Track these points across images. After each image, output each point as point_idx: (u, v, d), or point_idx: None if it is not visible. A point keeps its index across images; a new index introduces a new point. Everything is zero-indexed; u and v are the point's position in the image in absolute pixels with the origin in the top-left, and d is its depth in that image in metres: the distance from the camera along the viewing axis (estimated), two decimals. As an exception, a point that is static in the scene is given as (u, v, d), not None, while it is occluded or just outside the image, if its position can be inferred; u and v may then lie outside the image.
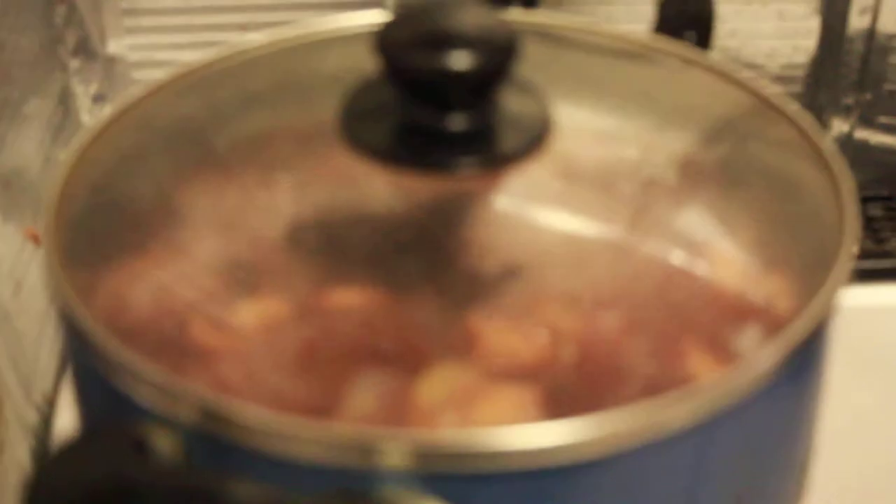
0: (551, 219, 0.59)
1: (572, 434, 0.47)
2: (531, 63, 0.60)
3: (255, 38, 0.65)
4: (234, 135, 0.66)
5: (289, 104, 0.63)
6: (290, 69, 0.64)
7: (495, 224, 0.60)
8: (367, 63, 0.63)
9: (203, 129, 0.65)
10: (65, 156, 0.56)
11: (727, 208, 0.60)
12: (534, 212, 0.60)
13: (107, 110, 0.60)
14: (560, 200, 0.60)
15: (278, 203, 0.61)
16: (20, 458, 0.70)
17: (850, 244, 0.52)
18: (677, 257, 0.57)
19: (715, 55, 0.66)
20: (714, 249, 0.57)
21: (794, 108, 0.58)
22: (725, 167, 0.59)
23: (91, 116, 0.90)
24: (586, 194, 0.61)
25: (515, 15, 0.67)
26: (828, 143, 0.56)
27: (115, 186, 0.61)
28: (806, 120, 0.57)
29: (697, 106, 0.62)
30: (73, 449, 0.42)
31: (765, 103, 0.59)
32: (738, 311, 0.53)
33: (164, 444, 0.44)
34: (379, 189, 0.62)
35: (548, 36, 0.66)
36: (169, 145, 0.63)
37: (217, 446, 0.44)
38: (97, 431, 0.43)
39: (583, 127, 0.59)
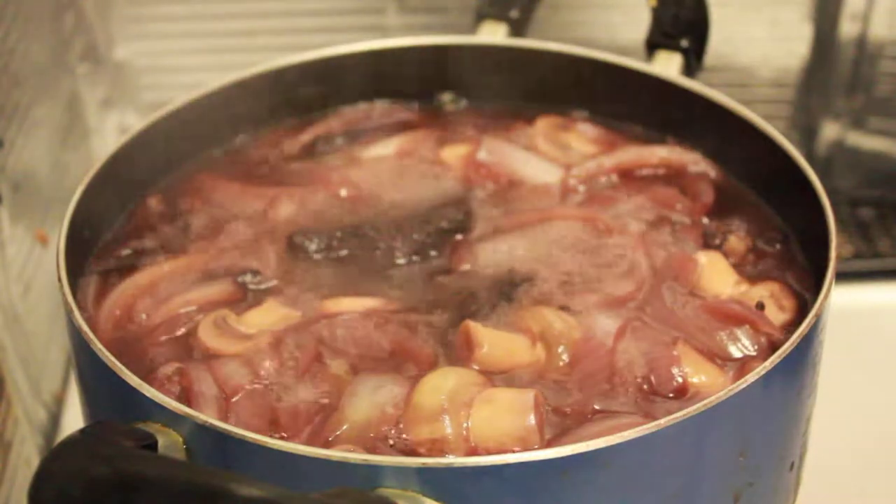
0: (549, 229, 0.60)
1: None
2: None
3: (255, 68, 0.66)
4: (239, 147, 0.68)
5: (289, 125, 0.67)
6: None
7: (494, 232, 0.61)
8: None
9: (210, 144, 0.66)
10: (84, 175, 0.58)
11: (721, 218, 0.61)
12: (531, 223, 0.61)
13: (123, 135, 0.61)
14: (556, 212, 0.61)
15: (283, 213, 0.62)
16: (29, 455, 0.70)
17: (834, 252, 0.53)
18: (671, 263, 0.58)
19: (709, 61, 0.67)
20: (706, 256, 0.58)
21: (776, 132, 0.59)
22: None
23: (99, 121, 0.90)
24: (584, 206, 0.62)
25: (499, 39, 0.69)
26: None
27: (126, 197, 0.62)
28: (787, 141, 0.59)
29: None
30: (77, 444, 0.42)
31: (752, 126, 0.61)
32: (732, 316, 0.54)
33: (166, 440, 0.45)
34: (379, 199, 0.63)
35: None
36: (178, 159, 0.65)
37: (219, 444, 0.45)
38: (100, 428, 0.44)
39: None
